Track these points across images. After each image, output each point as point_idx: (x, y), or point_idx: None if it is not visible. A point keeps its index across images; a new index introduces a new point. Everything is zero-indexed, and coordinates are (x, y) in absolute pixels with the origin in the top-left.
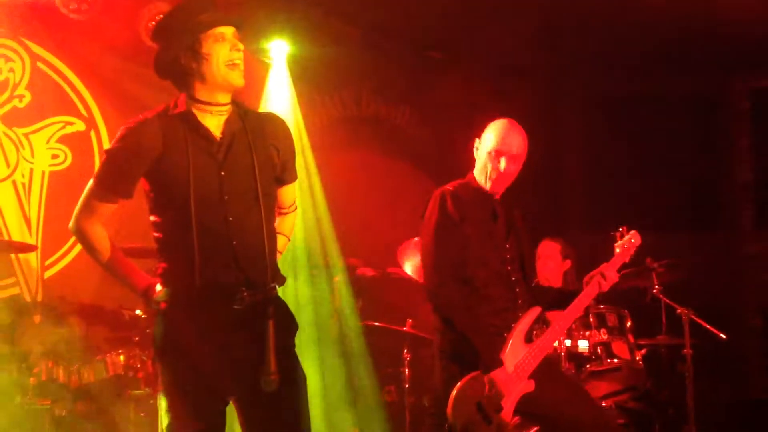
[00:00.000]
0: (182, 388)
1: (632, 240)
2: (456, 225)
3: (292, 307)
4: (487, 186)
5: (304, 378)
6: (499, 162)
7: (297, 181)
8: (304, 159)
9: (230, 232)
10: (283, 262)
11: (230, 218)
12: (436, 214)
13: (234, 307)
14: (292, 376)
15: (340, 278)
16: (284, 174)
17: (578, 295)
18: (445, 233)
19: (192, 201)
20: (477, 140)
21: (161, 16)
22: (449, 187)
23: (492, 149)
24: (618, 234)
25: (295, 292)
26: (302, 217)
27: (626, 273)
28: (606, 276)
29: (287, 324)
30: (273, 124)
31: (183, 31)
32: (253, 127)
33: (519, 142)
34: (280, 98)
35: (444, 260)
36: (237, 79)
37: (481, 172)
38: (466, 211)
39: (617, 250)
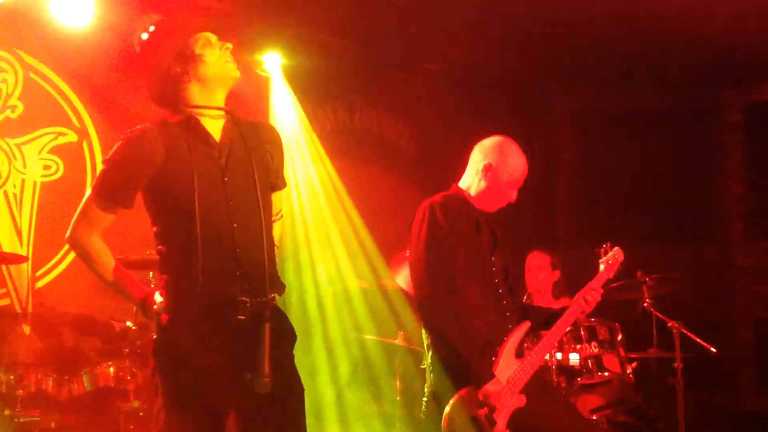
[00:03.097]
0: (182, 402)
1: (616, 256)
2: (446, 236)
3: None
4: (487, 207)
5: (302, 390)
6: (514, 192)
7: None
8: (324, 167)
9: (234, 240)
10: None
11: (235, 225)
12: (426, 225)
13: (238, 317)
14: (290, 388)
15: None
16: (277, 180)
17: (566, 312)
18: (435, 245)
19: (197, 208)
20: (488, 161)
21: (153, 27)
22: (437, 198)
23: (513, 179)
24: (602, 250)
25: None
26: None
27: (617, 286)
28: (592, 292)
29: (285, 334)
30: (267, 130)
31: (172, 37)
32: (248, 134)
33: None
34: (285, 110)
35: (434, 273)
36: (234, 70)
37: (486, 195)
38: (455, 223)
39: (602, 266)
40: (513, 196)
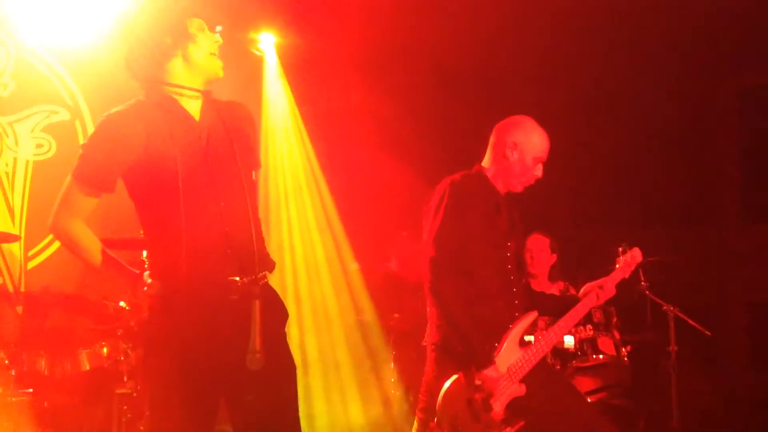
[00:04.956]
0: (174, 384)
1: (634, 256)
2: (464, 217)
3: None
4: (515, 186)
5: (294, 368)
6: (540, 168)
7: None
8: (306, 151)
9: (222, 218)
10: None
11: (222, 203)
12: (446, 204)
13: (230, 297)
14: (282, 365)
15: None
16: (255, 160)
17: (575, 305)
18: (452, 225)
19: (181, 189)
20: (512, 140)
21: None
22: (458, 177)
23: (538, 155)
24: (620, 249)
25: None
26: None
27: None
28: (604, 289)
29: (277, 311)
30: (242, 110)
31: (170, 11)
32: (225, 113)
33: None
34: (276, 91)
35: (447, 253)
36: (219, 69)
37: (513, 173)
38: (475, 203)
39: (618, 265)
40: (539, 172)
